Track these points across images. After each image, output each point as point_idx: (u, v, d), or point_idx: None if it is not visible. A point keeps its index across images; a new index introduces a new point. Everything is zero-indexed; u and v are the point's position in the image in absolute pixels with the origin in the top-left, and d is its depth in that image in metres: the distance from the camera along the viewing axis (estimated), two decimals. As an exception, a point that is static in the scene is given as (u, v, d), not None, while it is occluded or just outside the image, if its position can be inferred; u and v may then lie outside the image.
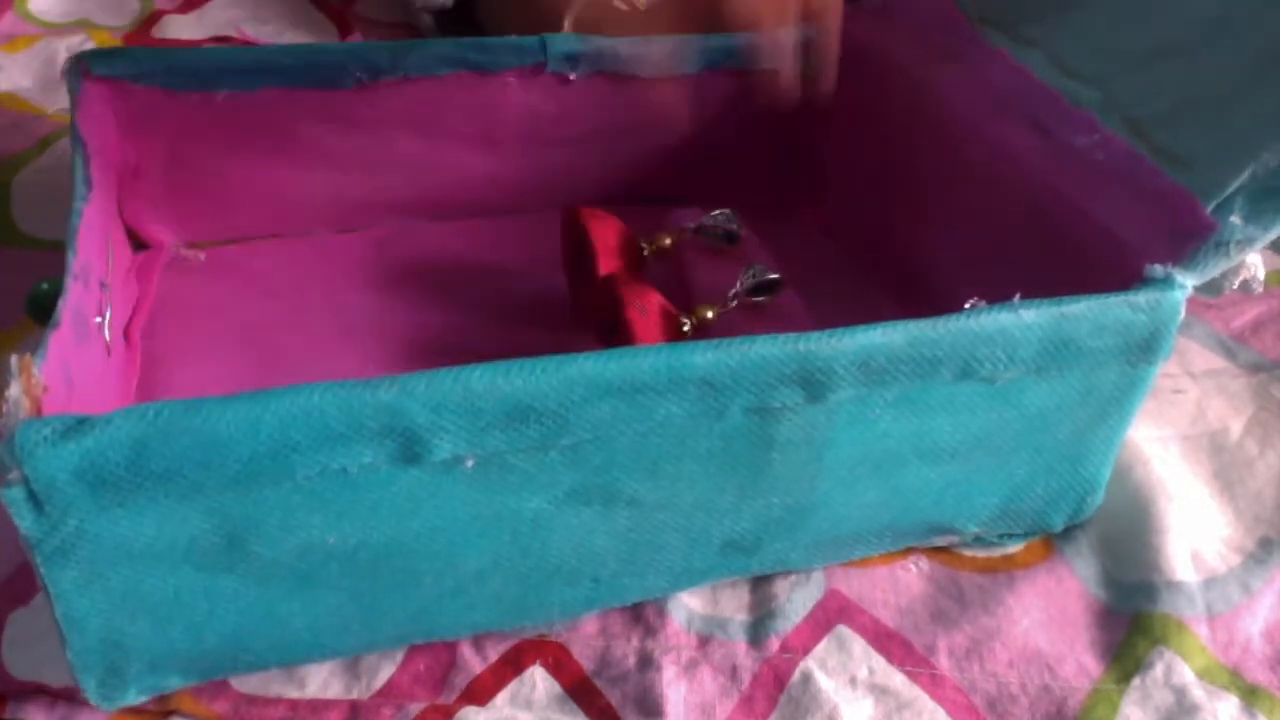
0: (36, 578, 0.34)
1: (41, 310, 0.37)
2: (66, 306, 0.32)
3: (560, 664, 0.35)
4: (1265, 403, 0.45)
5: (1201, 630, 0.37)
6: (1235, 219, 0.33)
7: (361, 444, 0.26)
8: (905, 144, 0.46)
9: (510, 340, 0.44)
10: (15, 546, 0.35)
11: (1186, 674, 0.36)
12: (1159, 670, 0.36)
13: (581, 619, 0.36)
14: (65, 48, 0.62)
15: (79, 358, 0.33)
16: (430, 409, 0.26)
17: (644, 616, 0.36)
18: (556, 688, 0.34)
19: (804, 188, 0.53)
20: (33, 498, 0.24)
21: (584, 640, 0.35)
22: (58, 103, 0.58)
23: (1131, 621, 0.37)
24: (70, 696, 0.32)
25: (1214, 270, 0.33)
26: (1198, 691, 0.35)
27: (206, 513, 0.26)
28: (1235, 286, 0.34)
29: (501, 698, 0.34)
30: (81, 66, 0.42)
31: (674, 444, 0.30)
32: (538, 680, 0.34)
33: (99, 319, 0.37)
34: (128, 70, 0.43)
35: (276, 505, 0.27)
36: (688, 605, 0.37)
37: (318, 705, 0.33)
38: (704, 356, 0.28)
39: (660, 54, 0.49)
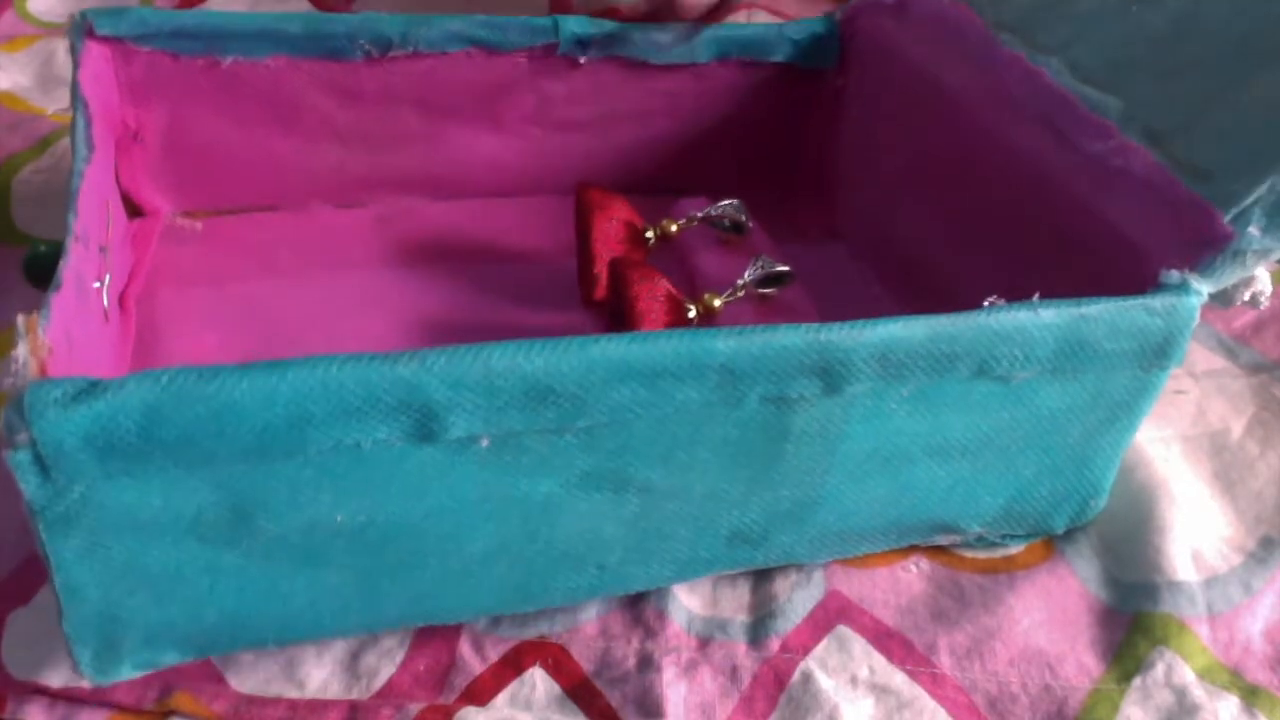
0: (36, 574, 0.33)
1: (40, 273, 0.36)
2: (68, 269, 0.31)
3: (560, 665, 0.34)
4: (1266, 403, 0.45)
5: (1202, 630, 0.37)
6: (1253, 230, 0.33)
7: (377, 419, 0.26)
8: (916, 142, 0.46)
9: (509, 320, 0.44)
10: (15, 546, 0.35)
11: (1187, 674, 0.36)
12: (1160, 670, 0.36)
13: (582, 619, 0.36)
14: (65, 47, 0.61)
15: (79, 321, 0.32)
16: (449, 385, 0.26)
17: (644, 618, 0.36)
18: (556, 688, 0.34)
19: (812, 184, 0.53)
20: (39, 461, 0.24)
21: (584, 641, 0.35)
22: (58, 102, 0.58)
23: (1132, 621, 0.37)
24: (70, 697, 0.32)
25: (1229, 279, 0.33)
26: (1198, 691, 0.35)
27: (215, 485, 0.26)
28: (1247, 299, 0.34)
29: (501, 698, 0.33)
30: (85, 25, 0.41)
31: (690, 430, 0.30)
32: (537, 681, 0.34)
33: (97, 284, 0.36)
34: (132, 30, 0.42)
35: (286, 480, 0.26)
36: (688, 607, 0.37)
37: (317, 705, 0.32)
38: (726, 343, 0.28)
39: (672, 42, 0.49)
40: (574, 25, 0.47)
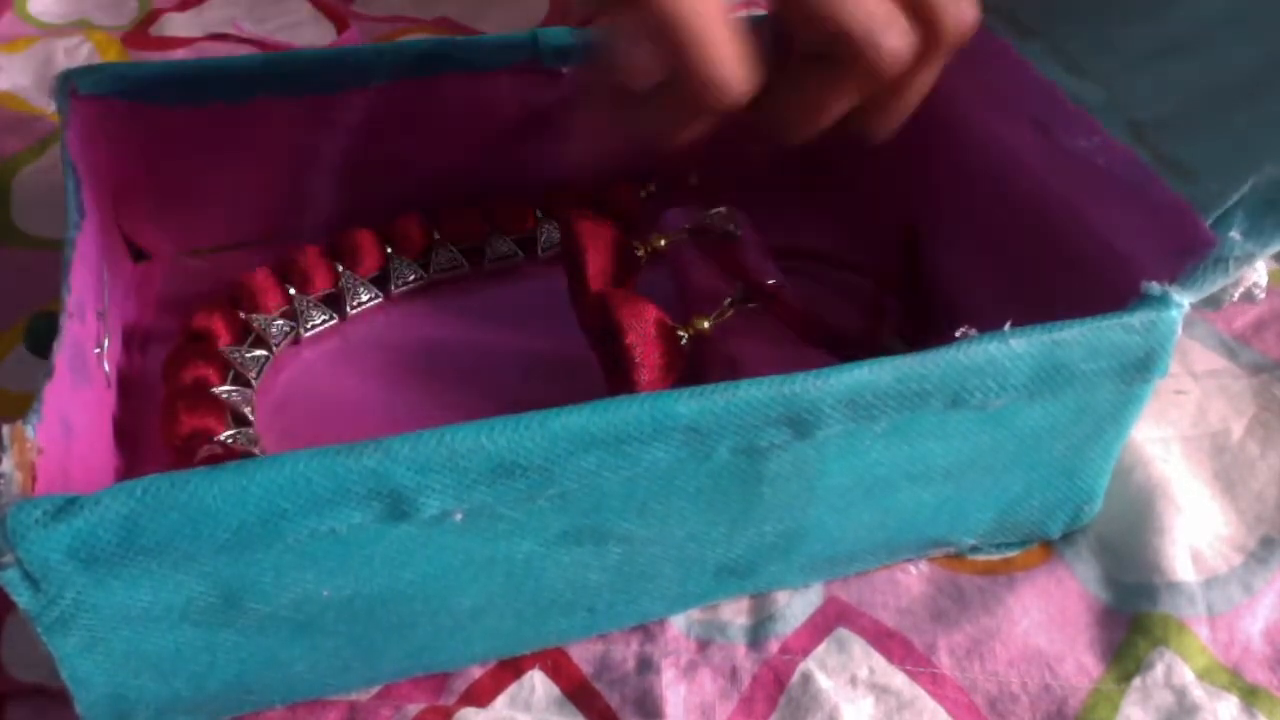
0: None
1: (39, 346, 0.38)
2: (62, 349, 0.32)
3: (559, 667, 0.35)
4: (1267, 403, 0.45)
5: (1202, 630, 0.37)
6: (1235, 234, 0.32)
7: (349, 507, 0.27)
8: (904, 133, 0.45)
9: (510, 344, 0.45)
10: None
11: (1187, 674, 0.36)
12: (1159, 670, 0.36)
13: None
14: (64, 48, 0.62)
15: (77, 400, 0.33)
16: (415, 471, 0.27)
17: (644, 623, 0.37)
18: (556, 690, 0.35)
19: (805, 173, 0.52)
20: (28, 577, 0.25)
21: (583, 645, 0.36)
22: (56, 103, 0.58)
23: (1132, 622, 0.37)
24: (70, 698, 0.33)
25: (1212, 286, 0.32)
26: (1198, 692, 0.36)
27: (200, 577, 0.27)
28: (1236, 298, 0.33)
29: (501, 700, 0.34)
30: (69, 86, 0.42)
31: (662, 485, 0.30)
32: (537, 684, 0.35)
33: (97, 350, 0.37)
34: (115, 87, 0.42)
35: (269, 566, 0.27)
36: (688, 612, 0.37)
37: (316, 706, 0.33)
38: (688, 405, 0.28)
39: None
40: (553, 38, 0.47)
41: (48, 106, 0.58)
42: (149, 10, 0.67)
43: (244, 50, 0.63)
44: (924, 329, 0.44)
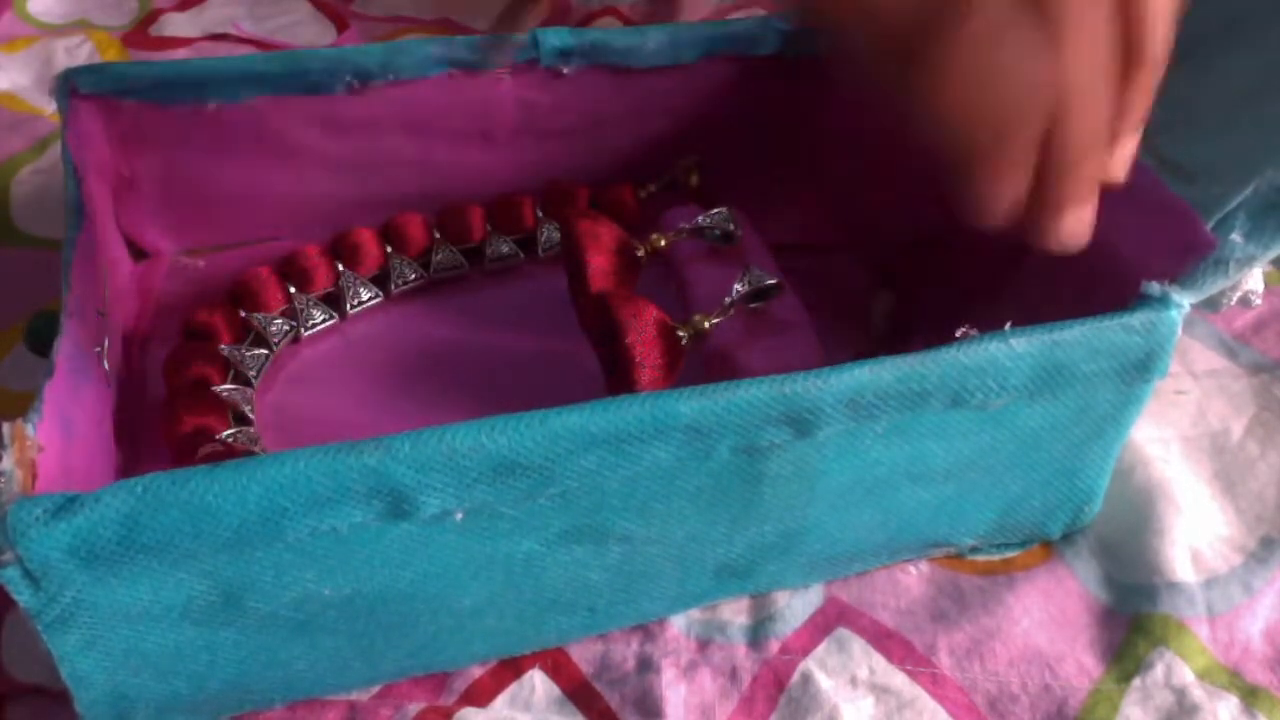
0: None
1: (41, 345, 0.37)
2: (62, 349, 0.32)
3: (559, 667, 0.35)
4: (1267, 403, 0.45)
5: (1202, 630, 0.37)
6: (1236, 237, 0.32)
7: (350, 506, 0.27)
8: (904, 138, 0.45)
9: (510, 344, 0.45)
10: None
11: (1187, 674, 0.36)
12: (1159, 671, 0.36)
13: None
14: (64, 48, 0.62)
15: (77, 399, 0.33)
16: (415, 469, 0.27)
17: (644, 623, 0.37)
18: (556, 690, 0.35)
19: (805, 173, 0.53)
20: (28, 575, 0.25)
21: (583, 645, 0.36)
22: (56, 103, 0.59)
23: (1131, 622, 0.38)
24: (70, 698, 0.33)
25: (1212, 288, 0.32)
26: (1198, 692, 0.36)
27: (201, 575, 0.27)
28: (1234, 302, 0.33)
29: (501, 700, 0.34)
30: (69, 85, 0.42)
31: (663, 484, 0.30)
32: (537, 683, 0.35)
33: (97, 349, 0.37)
34: (115, 86, 0.42)
35: (269, 564, 0.27)
36: (687, 611, 0.37)
37: (316, 705, 0.33)
38: (689, 405, 0.28)
39: (655, 44, 0.48)
40: (553, 38, 0.47)
41: (48, 106, 0.58)
42: (149, 10, 0.67)
43: (244, 50, 0.63)
44: (923, 328, 0.44)
